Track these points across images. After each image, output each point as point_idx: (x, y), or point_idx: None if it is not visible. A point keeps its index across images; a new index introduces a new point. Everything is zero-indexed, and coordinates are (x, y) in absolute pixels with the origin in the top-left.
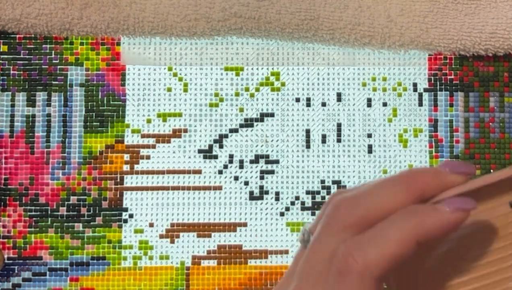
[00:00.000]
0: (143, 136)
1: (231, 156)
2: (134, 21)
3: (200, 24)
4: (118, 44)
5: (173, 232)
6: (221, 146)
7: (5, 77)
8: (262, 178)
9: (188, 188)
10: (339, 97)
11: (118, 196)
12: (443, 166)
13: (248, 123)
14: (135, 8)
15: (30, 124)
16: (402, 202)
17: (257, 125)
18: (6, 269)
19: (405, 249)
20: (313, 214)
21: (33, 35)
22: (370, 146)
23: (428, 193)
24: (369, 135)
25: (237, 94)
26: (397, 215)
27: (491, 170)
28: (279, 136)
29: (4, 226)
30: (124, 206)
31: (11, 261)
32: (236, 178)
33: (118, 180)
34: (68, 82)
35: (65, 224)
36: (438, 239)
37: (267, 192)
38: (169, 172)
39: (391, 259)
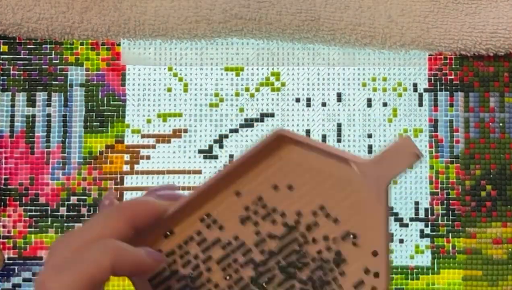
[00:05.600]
0: (143, 136)
1: (231, 156)
2: (134, 24)
3: (201, 26)
4: (118, 44)
5: None
6: (221, 146)
7: (5, 77)
8: None
9: (188, 188)
10: (339, 97)
11: (118, 196)
12: (148, 193)
13: (248, 123)
14: (136, 11)
15: (30, 124)
16: (113, 231)
17: (257, 125)
18: (6, 269)
19: (101, 270)
20: None
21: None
22: (370, 146)
23: (139, 221)
24: (369, 135)
25: (237, 94)
26: (94, 243)
27: (491, 170)
28: None
29: (4, 226)
30: None
31: (11, 261)
32: None
33: (118, 180)
34: (68, 82)
35: (65, 224)
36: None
37: None
38: (169, 172)
39: (87, 280)
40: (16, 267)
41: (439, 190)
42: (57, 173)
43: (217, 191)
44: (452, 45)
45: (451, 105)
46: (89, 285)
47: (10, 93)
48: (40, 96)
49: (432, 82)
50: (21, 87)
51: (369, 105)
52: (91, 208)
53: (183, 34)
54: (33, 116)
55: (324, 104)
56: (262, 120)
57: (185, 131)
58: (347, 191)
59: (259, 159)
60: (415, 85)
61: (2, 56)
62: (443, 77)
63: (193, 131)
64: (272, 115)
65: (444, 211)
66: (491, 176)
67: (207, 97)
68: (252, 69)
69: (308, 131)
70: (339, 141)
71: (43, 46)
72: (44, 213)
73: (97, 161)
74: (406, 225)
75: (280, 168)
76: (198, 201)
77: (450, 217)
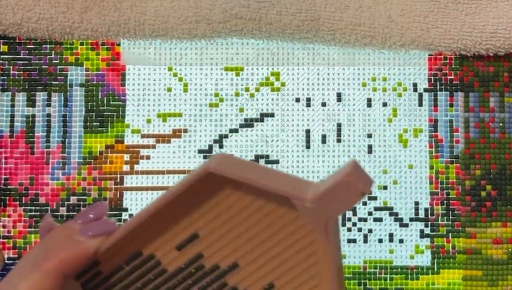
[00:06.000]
0: (143, 136)
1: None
2: (134, 24)
3: (201, 26)
4: (118, 44)
5: None
6: (221, 146)
7: (5, 77)
8: None
9: None
10: (339, 97)
11: (118, 196)
12: (78, 221)
13: (248, 123)
14: (136, 11)
15: (30, 124)
16: None
17: (257, 125)
18: (6, 269)
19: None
20: None
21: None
22: (370, 146)
23: (70, 273)
24: (369, 135)
25: (237, 94)
26: None
27: (491, 170)
28: (279, 136)
29: (4, 226)
30: (124, 206)
31: (11, 261)
32: None
33: (118, 180)
34: (68, 82)
35: None
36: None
37: None
38: (169, 172)
39: None
40: None
41: (439, 190)
42: (57, 173)
43: (147, 227)
44: (452, 45)
45: (451, 105)
46: None
47: (10, 93)
48: (40, 96)
49: (432, 82)
50: (21, 87)
51: (369, 105)
52: None
53: (183, 34)
54: (33, 116)
55: (324, 104)
56: (262, 120)
57: (185, 131)
58: (288, 234)
59: (188, 197)
60: (415, 85)
61: (2, 56)
62: (443, 77)
63: (193, 131)
64: (272, 115)
65: (444, 211)
66: (491, 176)
67: (207, 97)
68: (252, 69)
69: (308, 131)
70: (339, 141)
71: (43, 46)
72: (44, 213)
73: (97, 161)
74: (406, 225)
75: (210, 209)
76: (129, 237)
77: (450, 217)
